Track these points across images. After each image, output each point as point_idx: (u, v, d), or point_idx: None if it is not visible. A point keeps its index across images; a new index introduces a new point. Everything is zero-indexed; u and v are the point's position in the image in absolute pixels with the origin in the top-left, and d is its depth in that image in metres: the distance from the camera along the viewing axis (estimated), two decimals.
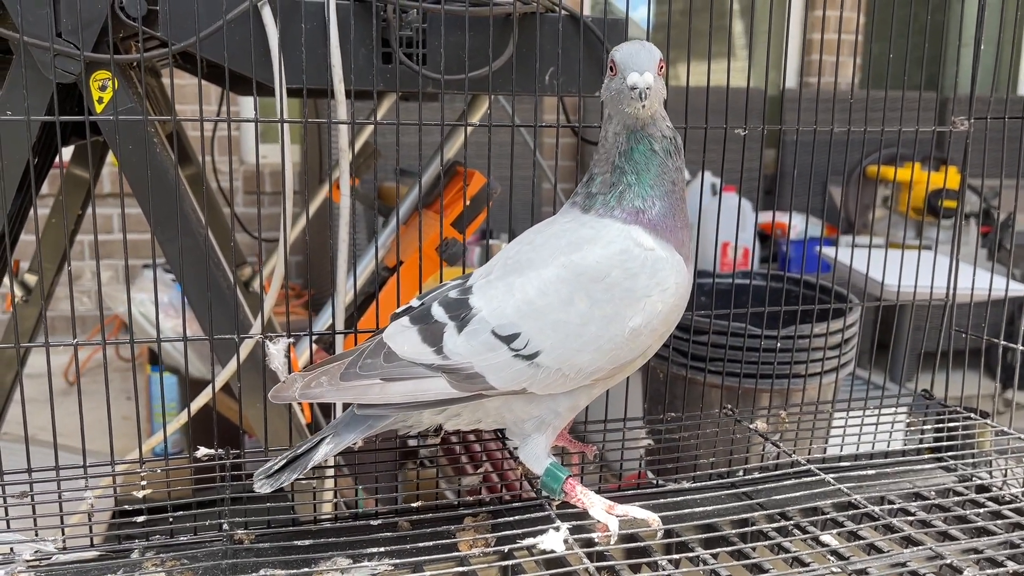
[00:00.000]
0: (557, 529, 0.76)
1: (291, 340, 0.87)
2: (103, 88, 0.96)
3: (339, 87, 0.98)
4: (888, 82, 1.05)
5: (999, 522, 0.87)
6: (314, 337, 1.11)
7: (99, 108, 0.95)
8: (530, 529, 0.77)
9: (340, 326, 1.02)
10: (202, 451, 0.84)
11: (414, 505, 0.86)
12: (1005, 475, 0.96)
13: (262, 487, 0.77)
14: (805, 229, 1.13)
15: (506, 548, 0.78)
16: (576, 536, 0.77)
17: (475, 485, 0.89)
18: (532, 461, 0.80)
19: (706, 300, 1.50)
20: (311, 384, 0.78)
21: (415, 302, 0.83)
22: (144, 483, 0.81)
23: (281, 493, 0.89)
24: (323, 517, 0.87)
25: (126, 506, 0.79)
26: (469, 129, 1.11)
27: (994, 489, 0.94)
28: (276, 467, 0.77)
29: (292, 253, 3.51)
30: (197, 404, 0.96)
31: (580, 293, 0.73)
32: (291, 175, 0.96)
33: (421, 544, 0.79)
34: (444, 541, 0.80)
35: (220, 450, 0.85)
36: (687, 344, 1.24)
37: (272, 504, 0.81)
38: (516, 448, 0.82)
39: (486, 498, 0.89)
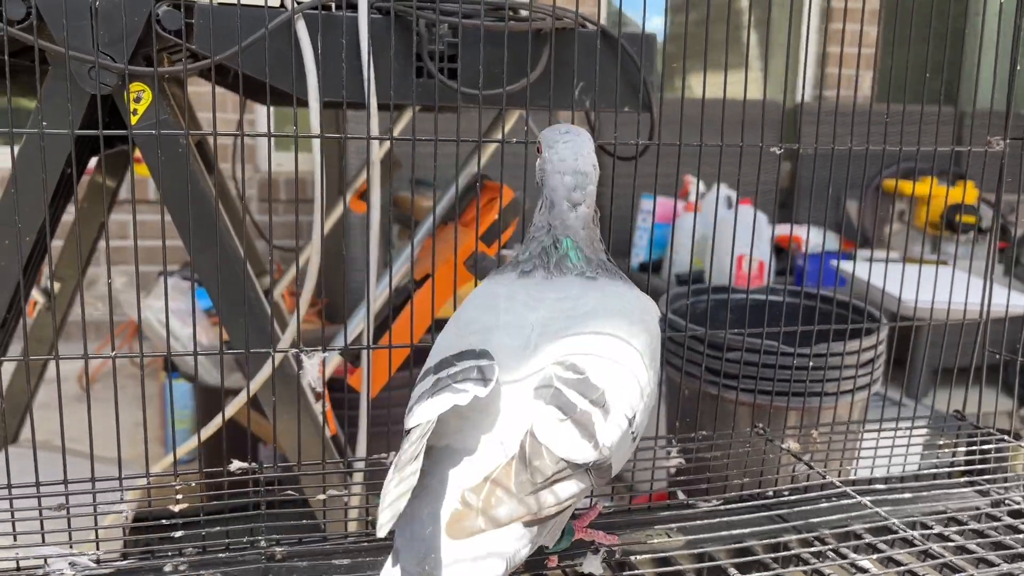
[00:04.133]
0: (596, 552, 0.75)
1: (326, 355, 0.87)
2: (137, 100, 0.96)
3: (372, 101, 0.98)
4: (906, 96, 1.05)
5: None
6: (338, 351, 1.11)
7: (134, 120, 0.95)
8: (566, 550, 0.76)
9: (370, 340, 1.02)
10: (236, 464, 0.84)
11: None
12: None
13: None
14: (823, 243, 1.12)
15: (543, 572, 0.77)
16: (611, 559, 0.76)
17: None
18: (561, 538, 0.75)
19: (733, 317, 1.50)
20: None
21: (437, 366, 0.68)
22: (179, 496, 0.80)
23: (309, 509, 0.89)
24: (353, 533, 0.86)
25: (163, 520, 0.79)
26: (494, 144, 1.11)
27: None
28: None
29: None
30: (229, 413, 0.96)
31: (651, 367, 0.71)
32: (322, 189, 0.96)
33: None
34: None
35: (254, 463, 0.85)
36: (718, 362, 1.23)
37: (305, 521, 0.81)
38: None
39: None
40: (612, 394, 0.66)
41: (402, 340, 1.14)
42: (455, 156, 0.99)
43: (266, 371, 0.96)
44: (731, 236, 1.61)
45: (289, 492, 0.84)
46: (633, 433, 0.67)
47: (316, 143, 0.94)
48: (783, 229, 3.42)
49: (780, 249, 3.49)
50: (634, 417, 0.67)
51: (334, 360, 1.16)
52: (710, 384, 1.25)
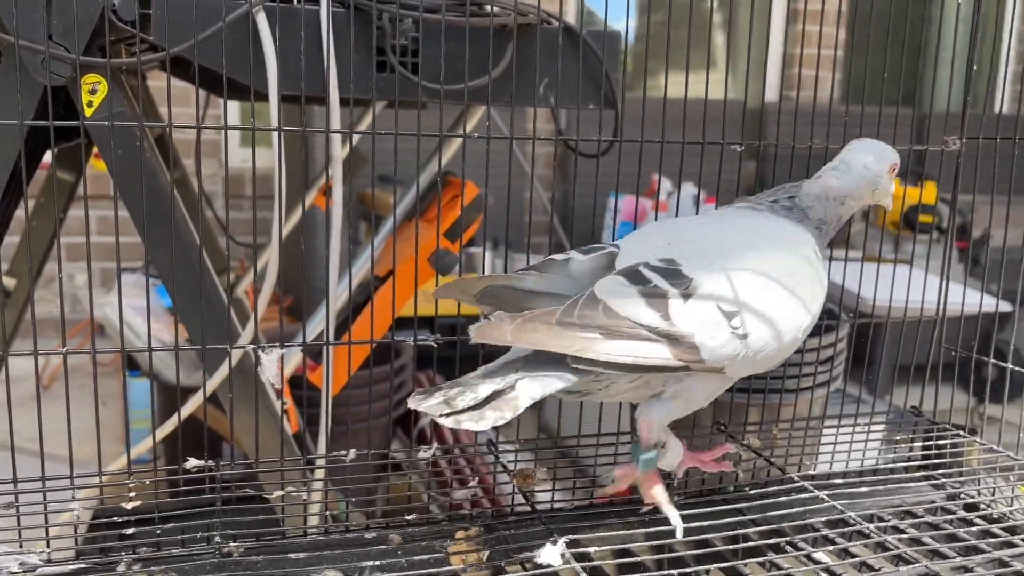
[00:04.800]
0: (554, 543, 0.75)
1: (284, 351, 0.86)
2: (92, 92, 0.94)
3: (334, 95, 0.97)
4: (867, 97, 1.06)
5: (989, 540, 0.88)
6: (300, 347, 1.10)
7: (89, 112, 0.93)
8: (525, 543, 0.76)
9: (331, 336, 1.01)
10: (192, 462, 0.83)
11: (407, 518, 0.85)
12: (993, 493, 0.97)
13: (445, 419, 0.69)
14: None
15: (501, 563, 0.77)
16: (572, 551, 0.76)
17: (469, 498, 0.88)
18: (655, 428, 0.82)
19: None
20: (524, 327, 0.72)
21: (569, 254, 0.84)
22: (132, 494, 0.79)
23: (268, 505, 0.88)
24: (313, 530, 0.86)
25: (114, 518, 0.77)
26: (458, 141, 1.11)
27: (982, 507, 0.95)
28: (466, 405, 0.70)
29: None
30: (186, 411, 0.95)
31: (787, 287, 0.80)
32: (283, 183, 0.95)
33: (413, 559, 0.78)
34: (436, 555, 0.80)
35: (210, 461, 0.83)
36: None
37: (262, 516, 0.80)
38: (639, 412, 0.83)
39: (480, 511, 0.88)
40: (707, 287, 0.77)
41: (364, 337, 1.13)
42: (417, 152, 0.99)
43: (224, 368, 0.95)
44: None
45: (247, 489, 0.83)
46: (735, 329, 0.77)
47: (276, 137, 0.93)
48: None
49: None
50: (736, 314, 0.77)
51: (296, 358, 1.15)
52: None
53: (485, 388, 0.71)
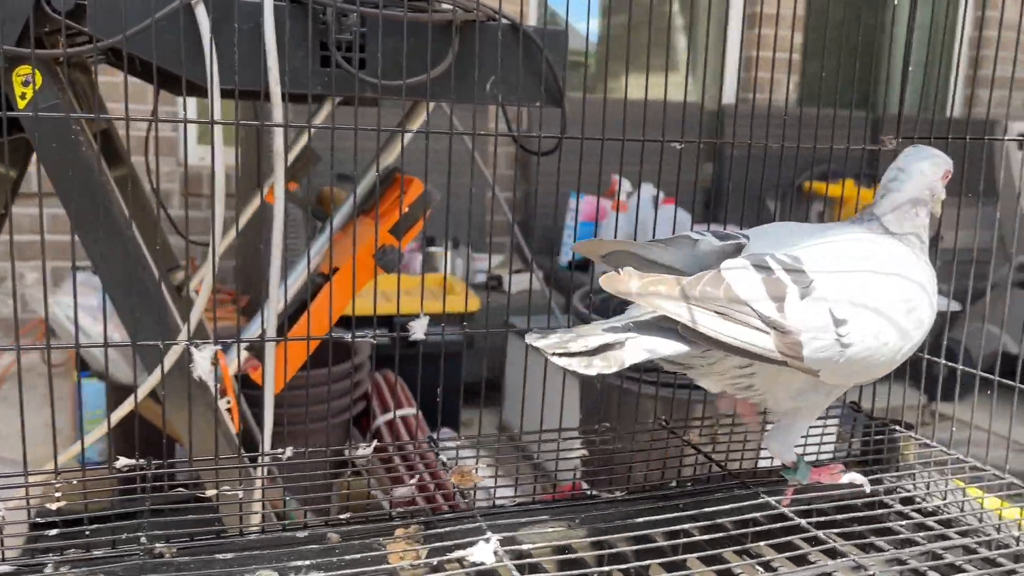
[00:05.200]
0: (487, 540, 0.75)
1: (218, 347, 0.84)
2: (26, 84, 0.92)
3: (275, 89, 0.96)
4: (823, 100, 1.07)
5: (923, 533, 0.89)
6: (244, 344, 1.09)
7: (21, 104, 0.91)
8: (460, 541, 0.76)
9: (272, 333, 1.00)
10: (122, 461, 0.81)
11: (342, 517, 0.84)
12: (928, 487, 0.98)
13: (558, 362, 0.74)
14: None
15: (436, 560, 0.77)
16: (507, 548, 0.76)
17: (408, 496, 0.87)
18: (784, 450, 0.89)
19: None
20: (650, 287, 0.77)
21: (702, 235, 0.88)
22: (59, 495, 0.77)
23: (205, 504, 0.87)
24: (250, 529, 0.84)
25: (38, 519, 0.75)
26: (407, 138, 1.10)
27: (918, 500, 0.97)
28: (578, 349, 0.75)
29: (229, 257, 3.44)
30: (119, 414, 0.93)
31: (899, 311, 0.83)
32: (222, 177, 0.94)
33: (349, 557, 0.77)
34: (374, 553, 0.79)
35: (142, 460, 0.82)
36: None
37: (196, 516, 0.79)
38: (768, 434, 0.90)
39: (419, 508, 0.88)
40: (824, 290, 0.80)
41: (306, 335, 1.12)
42: (355, 149, 0.98)
43: (165, 364, 0.93)
44: (653, 234, 1.62)
45: (180, 489, 0.82)
46: (840, 336, 0.80)
47: (218, 130, 0.92)
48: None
49: None
50: (845, 322, 0.80)
51: (244, 356, 1.13)
52: (615, 377, 1.26)
53: (597, 340, 0.75)
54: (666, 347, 0.78)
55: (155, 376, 0.95)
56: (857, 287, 0.83)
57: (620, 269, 0.79)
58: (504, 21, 1.05)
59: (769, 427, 0.91)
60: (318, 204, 1.84)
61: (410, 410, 2.14)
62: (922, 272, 0.88)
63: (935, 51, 1.10)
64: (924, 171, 0.91)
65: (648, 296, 0.77)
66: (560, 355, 0.75)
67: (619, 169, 1.03)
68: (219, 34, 0.94)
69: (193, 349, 0.84)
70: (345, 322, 2.48)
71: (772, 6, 3.98)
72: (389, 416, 2.10)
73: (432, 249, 3.33)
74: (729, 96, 4.19)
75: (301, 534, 0.82)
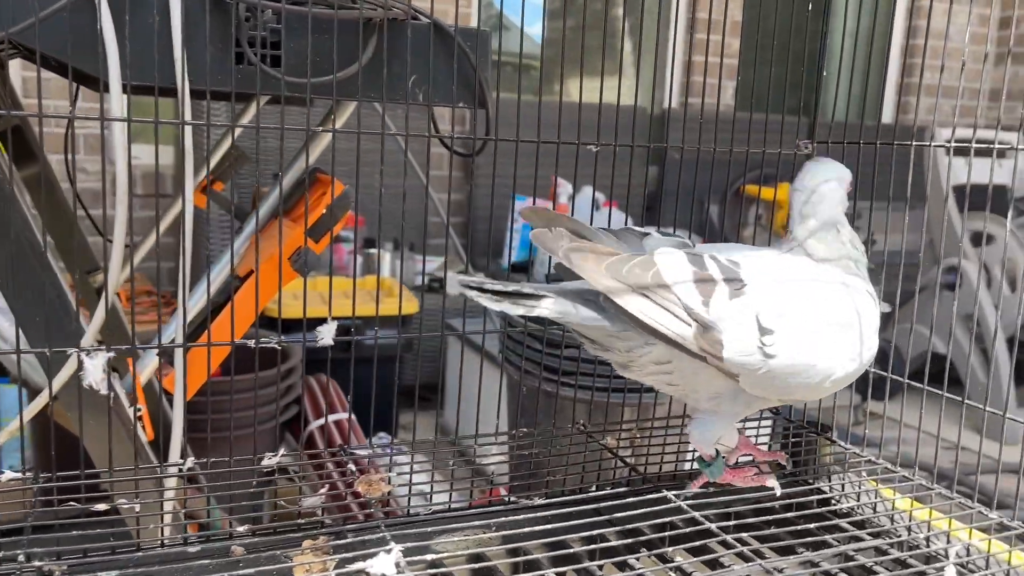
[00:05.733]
0: (389, 552, 0.73)
1: (111, 355, 0.81)
2: None
3: (184, 86, 0.93)
4: (762, 105, 1.08)
5: (837, 535, 0.90)
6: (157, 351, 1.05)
7: None
8: (361, 552, 0.74)
9: (182, 339, 0.97)
10: (8, 475, 0.77)
11: (240, 529, 0.81)
12: (843, 488, 0.99)
13: (473, 296, 0.77)
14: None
15: (335, 572, 0.74)
16: (415, 558, 0.74)
17: (317, 506, 0.85)
18: (704, 443, 0.89)
19: None
20: (579, 250, 0.78)
21: (649, 230, 0.88)
22: None
23: (104, 518, 0.83)
24: (150, 544, 0.81)
25: None
26: (327, 138, 1.08)
27: (832, 502, 0.97)
28: (494, 288, 0.77)
29: (167, 259, 3.36)
30: (10, 430, 0.89)
31: (835, 336, 0.83)
32: (126, 177, 0.91)
33: (254, 570, 0.75)
34: (279, 566, 0.76)
35: (28, 473, 0.78)
36: (554, 359, 1.24)
37: (83, 532, 0.75)
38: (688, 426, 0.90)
39: (328, 519, 0.85)
40: (755, 297, 0.80)
41: (222, 339, 1.09)
42: (281, 150, 0.95)
43: (65, 372, 0.89)
44: None
45: (71, 503, 0.78)
46: (764, 346, 0.79)
47: (120, 128, 0.89)
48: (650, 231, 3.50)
49: None
50: (772, 332, 0.79)
51: (153, 362, 1.09)
52: (546, 381, 1.25)
53: (517, 287, 0.78)
54: (583, 313, 0.79)
55: (57, 382, 0.91)
56: (791, 303, 0.82)
57: (553, 229, 0.79)
58: (424, 20, 1.03)
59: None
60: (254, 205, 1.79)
61: (343, 415, 2.10)
62: (863, 304, 0.86)
63: (863, 58, 1.11)
64: (835, 189, 0.91)
65: (575, 259, 0.77)
66: (473, 289, 0.76)
67: (555, 171, 1.02)
68: (127, 29, 0.91)
69: (84, 357, 0.80)
70: (277, 325, 2.43)
71: (714, 12, 4.03)
72: (321, 421, 2.07)
73: (371, 251, 3.30)
74: (671, 100, 4.23)
75: (204, 548, 0.79)
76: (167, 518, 0.87)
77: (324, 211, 1.06)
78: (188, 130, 0.94)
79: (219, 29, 0.96)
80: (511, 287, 0.78)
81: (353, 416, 2.13)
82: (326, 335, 0.88)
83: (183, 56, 0.92)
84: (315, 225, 1.06)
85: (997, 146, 0.94)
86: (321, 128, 1.09)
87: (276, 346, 0.86)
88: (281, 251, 1.00)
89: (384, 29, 0.97)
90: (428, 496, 0.94)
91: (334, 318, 0.93)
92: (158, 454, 1.07)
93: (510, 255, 3.73)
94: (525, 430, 0.99)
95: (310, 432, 2.08)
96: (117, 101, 0.88)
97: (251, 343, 0.86)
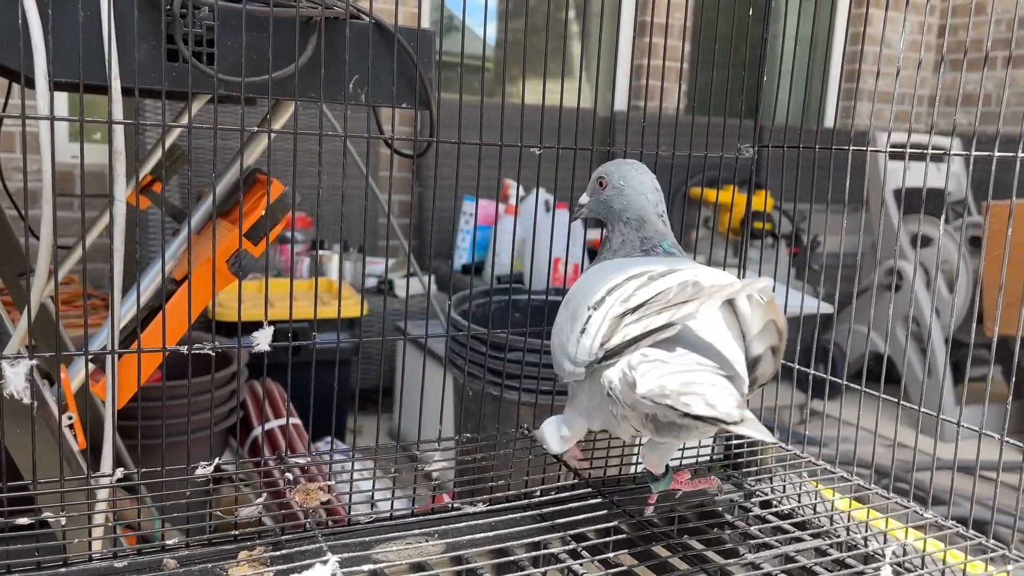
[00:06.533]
0: (325, 562, 0.71)
1: (34, 362, 0.78)
2: None
3: (115, 84, 0.90)
4: (711, 109, 1.09)
5: (779, 536, 0.90)
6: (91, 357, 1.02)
7: None
8: (298, 564, 0.72)
9: (118, 342, 0.93)
10: None
11: (170, 542, 0.78)
12: (784, 490, 1.00)
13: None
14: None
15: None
16: (346, 569, 0.72)
17: (255, 516, 0.83)
18: (659, 461, 0.87)
19: (520, 317, 1.51)
20: None
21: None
22: None
23: (31, 532, 0.80)
24: (74, 559, 0.78)
25: None
26: (272, 136, 1.05)
27: (775, 504, 0.98)
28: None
29: (103, 261, 3.27)
30: None
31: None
32: (50, 177, 0.87)
33: None
34: None
35: None
36: (499, 363, 1.23)
37: (6, 547, 0.72)
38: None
39: (267, 529, 0.83)
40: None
41: (156, 345, 1.06)
42: (214, 149, 0.93)
43: None
44: (549, 239, 1.62)
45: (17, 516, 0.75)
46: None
47: (44, 126, 0.85)
48: (597, 233, 3.52)
49: (594, 252, 3.59)
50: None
51: (83, 370, 1.06)
52: (492, 384, 1.24)
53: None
54: None
55: None
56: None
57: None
58: (366, 19, 1.02)
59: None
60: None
61: (290, 420, 2.07)
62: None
63: (813, 64, 1.12)
64: (644, 182, 0.93)
65: None
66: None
67: (499, 172, 1.02)
68: (55, 24, 0.88)
69: (5, 364, 0.77)
70: (227, 329, 2.38)
71: (661, 15, 4.07)
72: (267, 426, 2.03)
73: (323, 252, 3.25)
74: (620, 104, 4.26)
75: (133, 561, 0.77)
76: (97, 531, 0.84)
77: (263, 212, 1.04)
78: (119, 129, 0.91)
79: (152, 25, 0.93)
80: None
81: (299, 422, 2.10)
82: (262, 340, 0.86)
83: (111, 53, 0.88)
84: (254, 226, 1.03)
85: (931, 151, 0.96)
86: (256, 129, 1.06)
87: (210, 352, 0.83)
88: (215, 254, 0.98)
89: (322, 28, 0.95)
90: (371, 504, 0.92)
91: (271, 322, 0.91)
92: (95, 463, 1.03)
93: (453, 257, 3.71)
94: (469, 435, 0.98)
95: (254, 438, 2.04)
96: (43, 98, 0.85)
97: (184, 349, 0.83)
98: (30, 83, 0.88)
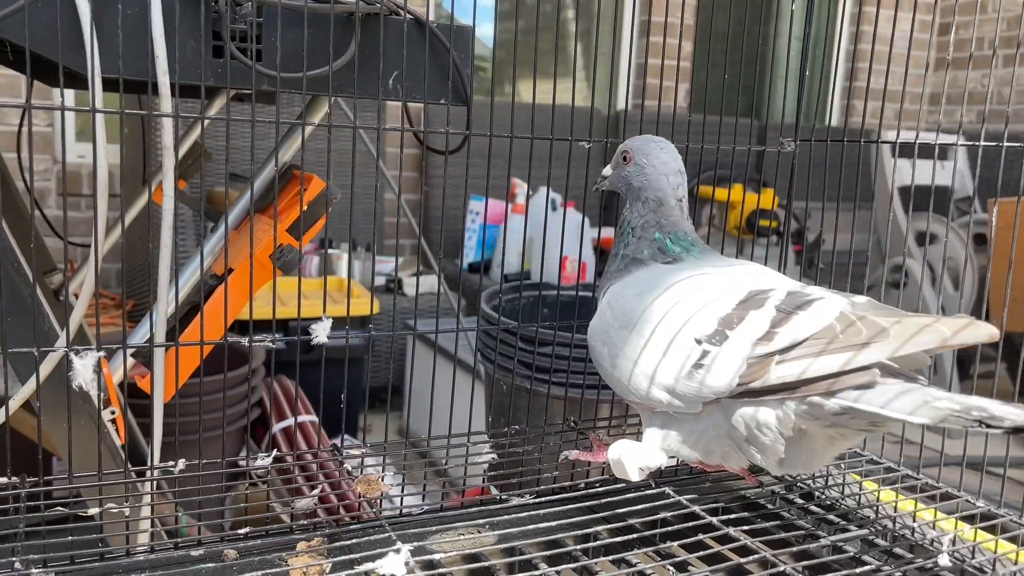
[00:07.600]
0: (398, 551, 0.72)
1: (101, 354, 0.78)
2: None
3: (163, 79, 0.90)
4: (714, 108, 1.10)
5: (825, 527, 0.91)
6: (130, 351, 1.02)
7: None
8: (368, 552, 0.72)
9: (161, 338, 0.94)
10: None
11: (241, 532, 0.79)
12: (827, 481, 1.00)
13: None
14: None
15: (343, 574, 0.73)
16: (417, 558, 0.73)
17: (310, 508, 0.83)
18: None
19: (549, 312, 1.51)
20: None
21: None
22: None
23: (89, 523, 0.80)
24: (138, 548, 0.78)
25: None
26: (307, 131, 1.06)
27: (816, 495, 0.99)
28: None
29: (113, 260, 3.27)
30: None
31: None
32: (105, 174, 0.88)
33: (248, 574, 0.73)
34: (274, 570, 0.75)
35: (15, 478, 0.75)
36: (530, 356, 1.23)
37: (76, 537, 0.72)
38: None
39: (322, 520, 0.84)
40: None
41: (196, 339, 1.06)
42: (263, 148, 0.93)
43: (41, 373, 0.86)
44: (558, 238, 1.62)
45: (58, 508, 0.76)
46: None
47: (100, 121, 0.86)
48: (607, 232, 3.53)
49: (604, 251, 3.60)
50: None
51: (130, 363, 1.06)
52: (524, 378, 1.25)
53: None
54: None
55: (29, 386, 0.88)
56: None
57: None
58: (409, 16, 1.02)
59: None
60: (209, 204, 1.77)
61: (308, 417, 2.07)
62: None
63: (817, 63, 1.13)
64: (667, 161, 0.92)
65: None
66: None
67: (508, 171, 1.02)
68: (102, 18, 0.88)
69: (74, 356, 0.78)
70: (239, 327, 2.39)
71: (664, 15, 4.08)
72: (285, 424, 2.03)
73: (332, 251, 3.25)
74: (623, 102, 4.27)
75: (195, 552, 0.77)
76: (153, 523, 0.84)
77: (305, 207, 1.04)
78: (168, 125, 0.91)
79: (198, 21, 0.94)
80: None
81: (316, 419, 2.10)
82: (321, 333, 0.87)
83: (163, 49, 0.89)
84: (296, 222, 1.04)
85: (939, 143, 0.97)
86: (292, 121, 1.07)
87: (270, 344, 0.83)
88: (252, 249, 0.98)
89: (358, 24, 0.96)
90: (421, 496, 0.93)
91: (302, 319, 0.91)
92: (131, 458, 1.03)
93: (463, 256, 3.71)
94: (517, 428, 0.98)
95: (273, 435, 2.04)
96: (99, 93, 0.85)
97: (244, 341, 0.83)
98: (53, 80, 0.88)
